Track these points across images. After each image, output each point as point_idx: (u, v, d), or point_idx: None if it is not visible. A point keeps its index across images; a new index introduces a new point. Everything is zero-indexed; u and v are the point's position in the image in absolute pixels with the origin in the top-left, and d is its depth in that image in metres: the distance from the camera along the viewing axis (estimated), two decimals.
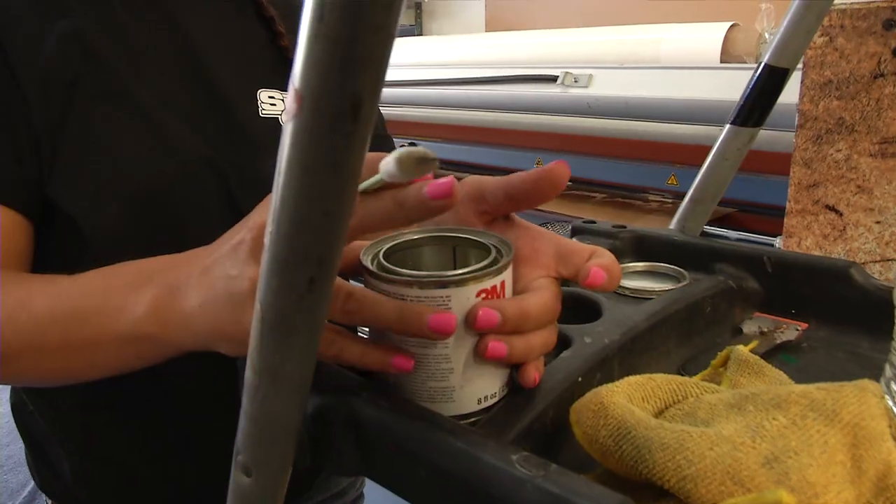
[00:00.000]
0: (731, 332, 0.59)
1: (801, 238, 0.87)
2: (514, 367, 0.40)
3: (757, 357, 0.46)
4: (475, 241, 0.41)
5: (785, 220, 0.88)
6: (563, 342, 0.47)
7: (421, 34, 3.65)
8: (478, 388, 0.39)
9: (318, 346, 0.29)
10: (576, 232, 0.72)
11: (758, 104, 0.64)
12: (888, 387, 0.41)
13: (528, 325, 0.38)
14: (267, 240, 0.26)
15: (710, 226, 1.37)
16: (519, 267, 0.41)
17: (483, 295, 0.37)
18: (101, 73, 0.58)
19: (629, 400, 0.34)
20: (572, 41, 1.44)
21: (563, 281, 0.47)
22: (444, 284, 0.36)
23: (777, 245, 1.00)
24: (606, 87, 1.23)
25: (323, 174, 0.23)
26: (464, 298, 0.37)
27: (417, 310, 0.35)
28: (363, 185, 0.34)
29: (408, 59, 1.78)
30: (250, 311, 0.33)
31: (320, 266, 0.25)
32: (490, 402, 0.39)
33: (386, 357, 0.37)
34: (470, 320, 0.36)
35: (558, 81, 1.24)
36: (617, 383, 0.35)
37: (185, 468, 0.68)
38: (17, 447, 2.60)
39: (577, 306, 0.54)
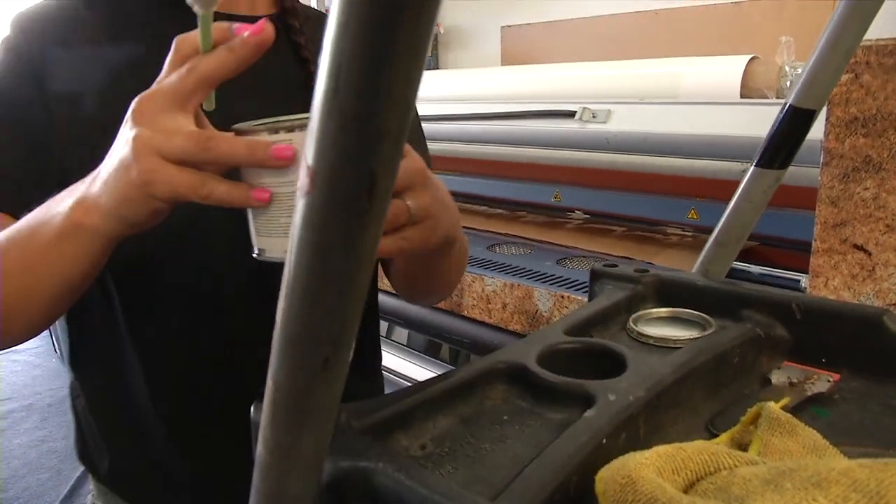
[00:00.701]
0: (759, 383, 0.57)
1: (829, 278, 0.84)
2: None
3: (789, 416, 0.44)
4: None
5: (811, 259, 0.85)
6: (586, 400, 0.45)
7: (437, 66, 3.67)
8: None
9: (333, 424, 0.28)
10: (595, 276, 0.70)
11: (783, 146, 0.62)
12: None
13: None
14: (279, 318, 0.25)
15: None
16: None
17: None
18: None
19: (659, 473, 0.32)
20: (591, 75, 1.44)
21: (588, 334, 0.49)
22: (291, 129, 0.46)
23: (803, 284, 0.98)
24: (625, 122, 1.22)
25: (337, 254, 0.22)
26: (303, 141, 0.41)
27: (262, 143, 0.45)
28: (205, 47, 0.45)
29: (424, 93, 1.79)
30: (135, 168, 0.45)
31: (335, 347, 0.24)
32: None
33: (247, 192, 0.47)
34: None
35: (576, 117, 1.24)
36: (646, 454, 0.33)
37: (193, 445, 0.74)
38: (34, 479, 2.60)
39: (601, 359, 0.52)
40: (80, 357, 0.76)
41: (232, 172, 0.49)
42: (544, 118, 1.27)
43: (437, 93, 1.73)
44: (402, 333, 2.10)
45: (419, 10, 0.18)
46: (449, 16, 3.66)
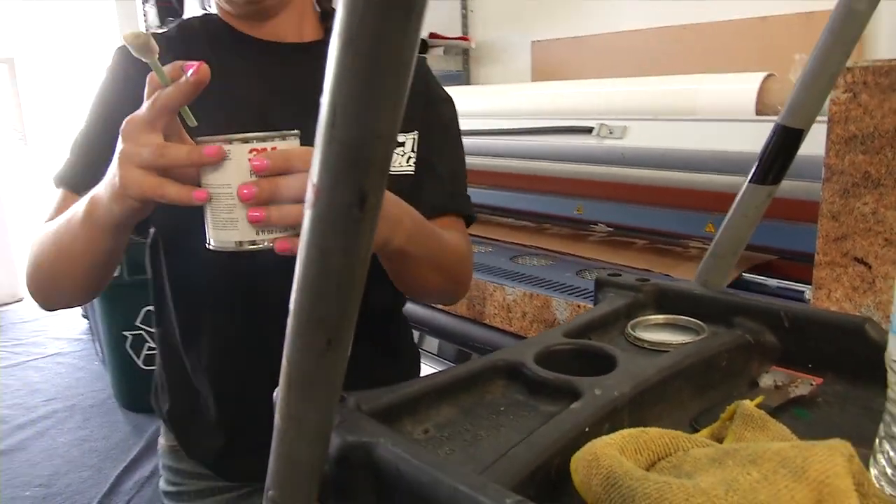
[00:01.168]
0: (748, 386, 0.61)
1: (831, 290, 0.87)
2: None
3: (761, 412, 0.48)
4: (283, 133, 0.62)
5: (814, 271, 0.89)
6: (573, 394, 0.50)
7: (468, 80, 3.73)
8: (276, 223, 0.61)
9: (337, 397, 0.33)
10: (600, 284, 0.75)
11: (775, 163, 0.66)
12: (881, 445, 0.43)
13: (295, 164, 0.60)
14: (292, 307, 0.30)
15: (750, 273, 1.37)
16: None
17: (255, 152, 0.60)
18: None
19: (622, 451, 0.37)
20: (610, 91, 1.48)
21: (587, 337, 0.55)
22: (228, 141, 0.59)
23: (807, 295, 1.00)
24: (641, 138, 1.26)
25: (336, 255, 0.28)
26: (241, 152, 0.59)
27: (198, 147, 0.59)
28: (164, 83, 0.59)
29: None
30: (117, 174, 0.60)
31: (337, 330, 0.29)
32: (267, 234, 0.61)
33: (191, 192, 0.60)
34: (247, 167, 0.59)
35: (594, 133, 1.28)
36: (612, 435, 0.38)
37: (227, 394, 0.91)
38: (76, 476, 2.70)
39: (592, 359, 0.57)
40: (157, 322, 0.96)
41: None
42: (563, 134, 1.32)
43: (463, 108, 1.78)
44: (432, 343, 2.14)
45: (397, 68, 0.24)
46: (480, 31, 3.72)
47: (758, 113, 1.28)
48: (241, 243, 0.62)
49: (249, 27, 0.87)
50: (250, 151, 0.60)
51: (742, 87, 1.30)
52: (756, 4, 2.19)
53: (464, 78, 3.72)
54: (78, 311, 4.42)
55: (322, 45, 0.89)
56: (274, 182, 0.60)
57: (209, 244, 0.64)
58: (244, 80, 0.85)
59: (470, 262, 0.92)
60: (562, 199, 1.69)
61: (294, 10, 0.87)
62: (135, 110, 0.78)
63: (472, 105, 1.74)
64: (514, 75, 3.61)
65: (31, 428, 3.18)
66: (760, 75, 1.30)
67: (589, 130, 1.27)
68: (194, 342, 0.90)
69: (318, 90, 0.83)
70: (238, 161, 0.60)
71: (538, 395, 0.53)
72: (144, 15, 5.14)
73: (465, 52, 3.71)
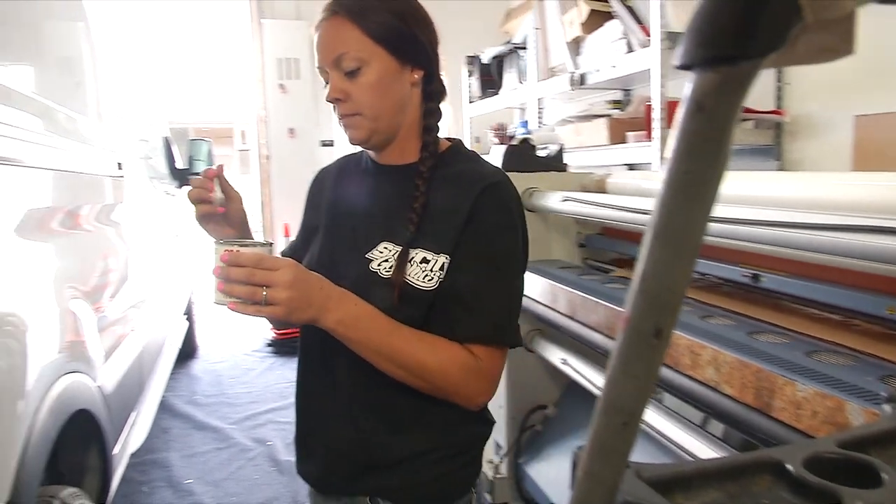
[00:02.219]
0: None
1: None
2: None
3: None
4: (261, 242, 1.12)
5: None
6: (835, 502, 0.55)
7: (780, 156, 3.59)
8: (228, 294, 1.05)
9: (625, 463, 0.45)
10: (891, 398, 0.76)
11: None
12: None
13: (241, 261, 1.03)
14: (601, 394, 0.43)
15: None
16: None
17: (224, 252, 1.05)
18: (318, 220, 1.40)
19: None
20: None
21: (864, 450, 0.62)
22: (223, 243, 1.09)
23: None
24: None
25: (635, 365, 0.40)
26: (220, 249, 1.06)
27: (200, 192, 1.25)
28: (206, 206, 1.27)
29: (756, 194, 1.84)
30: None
31: (631, 415, 0.42)
32: (229, 299, 1.04)
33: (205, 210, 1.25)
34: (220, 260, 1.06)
35: None
36: None
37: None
38: None
39: (861, 472, 0.61)
40: None
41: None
42: (869, 233, 1.27)
43: (766, 195, 1.78)
44: (718, 427, 2.11)
45: (688, 252, 0.36)
46: (797, 104, 3.57)
47: None
48: (221, 303, 1.04)
49: (374, 155, 1.32)
50: (225, 250, 1.05)
51: None
52: None
53: (775, 153, 3.59)
54: None
55: (413, 165, 1.25)
56: (227, 269, 1.03)
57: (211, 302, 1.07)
58: (360, 193, 1.31)
59: (460, 379, 1.15)
60: (871, 295, 1.59)
61: (397, 142, 1.27)
62: (318, 218, 1.36)
63: (767, 191, 1.73)
64: (832, 152, 3.40)
65: None
66: None
67: None
68: (299, 379, 1.35)
69: (399, 198, 1.33)
70: (218, 254, 1.06)
71: (801, 496, 0.59)
72: (469, 87, 5.76)
73: (777, 126, 3.59)
